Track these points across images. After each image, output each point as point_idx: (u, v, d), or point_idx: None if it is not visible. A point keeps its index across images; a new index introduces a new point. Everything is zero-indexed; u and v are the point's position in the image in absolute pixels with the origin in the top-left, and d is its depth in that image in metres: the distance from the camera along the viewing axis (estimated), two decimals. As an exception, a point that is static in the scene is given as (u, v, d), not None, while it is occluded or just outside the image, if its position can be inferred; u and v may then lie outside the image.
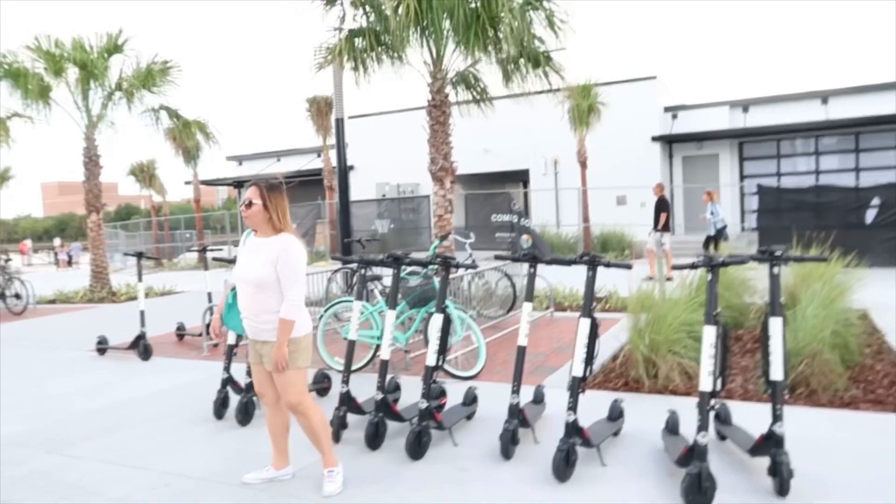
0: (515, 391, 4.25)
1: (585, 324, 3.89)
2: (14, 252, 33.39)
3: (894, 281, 11.13)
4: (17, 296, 13.46)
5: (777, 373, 3.59)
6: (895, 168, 19.66)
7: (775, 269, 3.70)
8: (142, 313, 8.00)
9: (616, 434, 4.39)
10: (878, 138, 20.16)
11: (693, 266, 3.64)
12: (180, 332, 9.10)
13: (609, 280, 10.88)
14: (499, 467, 4.11)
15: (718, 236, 14.40)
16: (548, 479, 3.85)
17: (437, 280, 6.66)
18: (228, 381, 5.37)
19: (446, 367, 6.26)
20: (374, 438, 4.44)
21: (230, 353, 5.38)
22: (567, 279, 11.28)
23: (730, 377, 3.55)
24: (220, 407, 5.32)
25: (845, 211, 15.09)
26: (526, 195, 24.83)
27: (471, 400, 5.00)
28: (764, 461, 3.80)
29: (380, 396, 4.48)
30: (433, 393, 5.11)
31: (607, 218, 20.48)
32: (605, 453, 4.14)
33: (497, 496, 3.73)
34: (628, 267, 3.91)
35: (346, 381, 4.69)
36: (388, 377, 5.43)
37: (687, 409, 4.98)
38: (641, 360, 5.68)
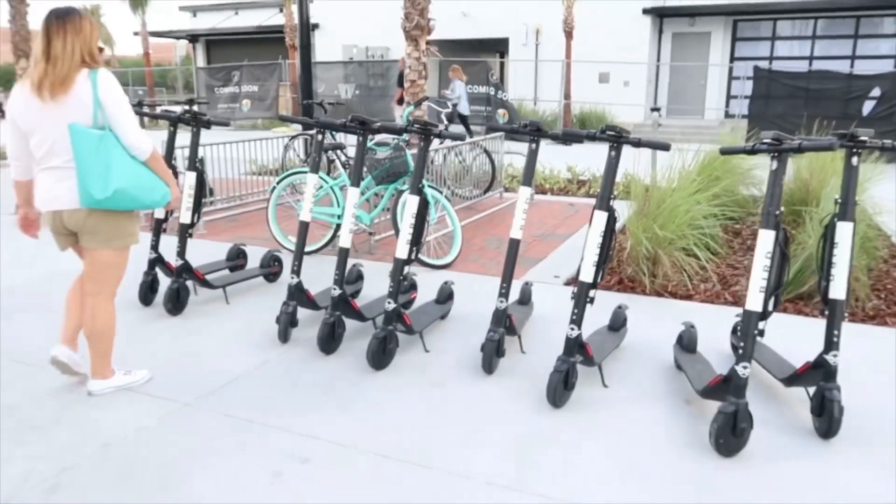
0: (504, 294, 3.47)
1: (602, 218, 3.06)
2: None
3: (894, 177, 10.50)
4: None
5: (839, 290, 2.86)
6: (894, 57, 18.69)
7: (854, 160, 2.87)
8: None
9: (617, 347, 3.69)
10: (878, 24, 19.00)
11: (753, 151, 2.78)
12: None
13: (595, 161, 10.07)
14: (479, 383, 3.41)
15: (452, 118, 12.28)
16: (539, 401, 3.17)
17: (410, 153, 5.71)
18: (157, 261, 4.49)
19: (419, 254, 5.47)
20: (329, 341, 3.67)
21: (158, 228, 4.46)
22: (547, 159, 10.41)
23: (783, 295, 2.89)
24: (148, 292, 4.47)
25: (842, 101, 14.23)
26: (503, 66, 23.30)
27: (446, 297, 4.23)
28: (799, 393, 3.16)
29: (337, 292, 3.67)
30: (402, 288, 4.33)
31: (588, 95, 19.31)
32: (606, 370, 3.46)
33: (478, 420, 3.03)
34: (665, 147, 3.03)
35: (296, 272, 3.85)
36: (349, 265, 4.62)
37: (693, 316, 4.32)
38: (642, 256, 4.94)
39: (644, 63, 20.10)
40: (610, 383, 3.38)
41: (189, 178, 4.24)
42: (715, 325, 4.08)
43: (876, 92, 14.01)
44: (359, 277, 4.66)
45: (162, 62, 32.19)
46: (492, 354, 3.42)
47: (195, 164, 4.22)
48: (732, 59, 20.56)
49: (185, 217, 4.27)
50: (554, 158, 10.58)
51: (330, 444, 2.85)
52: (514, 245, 3.46)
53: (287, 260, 4.49)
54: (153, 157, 3.08)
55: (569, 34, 18.54)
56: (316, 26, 24.20)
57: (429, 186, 5.53)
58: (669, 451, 2.80)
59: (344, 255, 3.69)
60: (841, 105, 14.05)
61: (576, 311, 3.08)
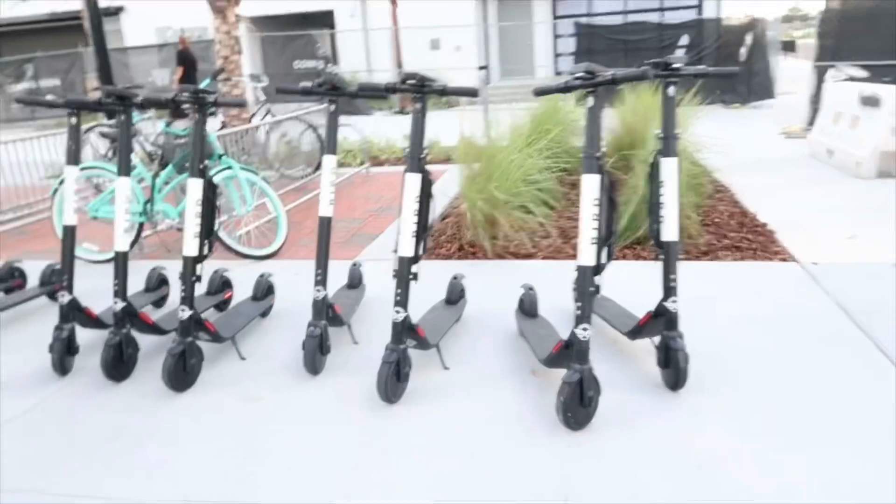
0: (320, 281, 3.00)
1: (415, 181, 2.66)
2: None
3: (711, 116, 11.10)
4: None
5: (671, 231, 2.66)
6: (696, 7, 19.96)
7: (671, 90, 2.67)
8: None
9: (457, 321, 3.36)
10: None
11: (566, 88, 2.48)
12: None
13: (436, 130, 9.75)
14: (304, 388, 2.93)
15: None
16: (373, 398, 2.76)
17: (215, 134, 5.03)
18: None
19: (237, 246, 4.85)
20: (116, 366, 3.03)
21: None
22: (382, 130, 9.97)
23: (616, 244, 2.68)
24: None
25: (656, 50, 14.93)
26: (333, 38, 22.43)
27: (264, 292, 3.69)
28: (647, 345, 2.97)
29: (119, 305, 3.02)
30: (212, 286, 3.74)
31: (420, 63, 19.01)
32: (445, 349, 3.11)
33: (304, 435, 2.57)
34: (472, 93, 2.67)
35: (66, 286, 3.15)
36: (151, 268, 3.95)
37: (536, 275, 4.10)
38: (480, 218, 4.65)
39: (472, 25, 20.10)
40: (451, 364, 3.03)
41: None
42: (558, 284, 3.86)
43: (684, 40, 14.84)
44: (161, 282, 3.99)
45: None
46: (314, 353, 2.95)
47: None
48: (555, 16, 21.07)
49: None
50: (390, 129, 10.15)
51: None
52: (324, 224, 3.00)
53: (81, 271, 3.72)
54: None
55: (393, 0, 18.08)
56: (120, 9, 22.00)
57: (242, 168, 4.91)
58: (519, 434, 2.49)
59: (122, 259, 3.03)
60: (655, 54, 14.72)
61: (399, 290, 2.68)
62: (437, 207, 5.90)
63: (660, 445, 2.36)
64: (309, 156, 7.53)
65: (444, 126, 6.38)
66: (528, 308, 3.21)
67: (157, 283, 3.96)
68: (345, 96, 2.97)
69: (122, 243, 3.03)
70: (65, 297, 3.14)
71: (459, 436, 2.50)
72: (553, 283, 3.83)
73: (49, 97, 2.97)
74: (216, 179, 4.68)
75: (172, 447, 2.55)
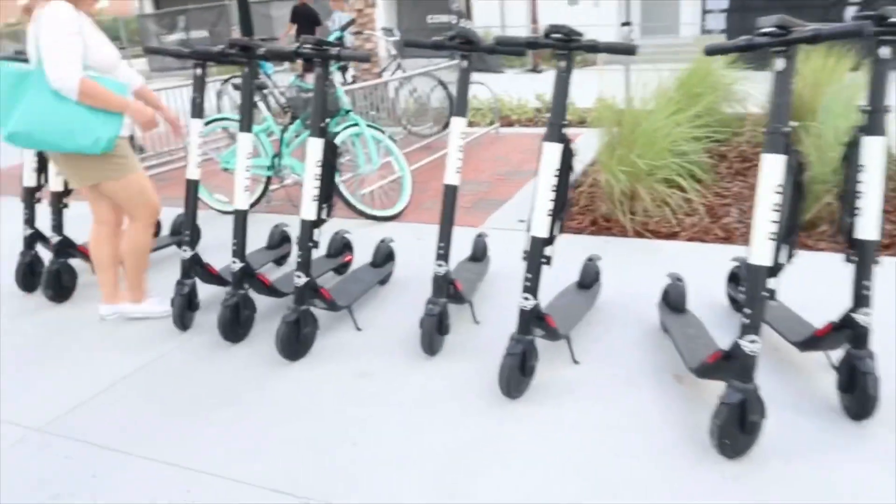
0: (442, 255, 2.75)
1: (554, 152, 2.31)
2: None
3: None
4: None
5: (869, 228, 2.16)
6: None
7: (884, 51, 2.13)
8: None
9: (590, 309, 3.01)
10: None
11: (750, 46, 2.02)
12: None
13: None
14: (418, 369, 2.72)
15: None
16: (492, 390, 2.49)
17: (343, 88, 4.88)
18: (34, 238, 3.71)
19: (359, 205, 4.71)
20: (233, 328, 2.96)
21: (30, 199, 3.66)
22: (515, 89, 9.54)
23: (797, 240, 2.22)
24: (27, 275, 3.71)
25: (822, 8, 13.32)
26: (467, -8, 21.95)
27: (384, 258, 3.51)
28: (818, 358, 2.50)
29: (237, 265, 2.93)
30: (332, 248, 3.60)
31: (557, 19, 18.16)
32: (576, 341, 2.78)
33: (413, 424, 2.36)
34: (630, 50, 2.26)
35: (189, 242, 3.10)
36: (274, 226, 3.89)
37: (680, 259, 3.66)
38: (618, 190, 4.22)
39: (614, -21, 18.91)
40: (582, 359, 2.71)
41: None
42: (706, 270, 3.40)
43: (858, -5, 13.13)
44: (283, 240, 3.91)
45: (122, 14, 30.10)
46: (431, 333, 2.72)
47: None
48: (707, -31, 19.40)
49: (56, 184, 3.48)
50: (523, 88, 9.69)
51: (212, 478, 2.16)
52: (450, 193, 2.73)
53: (213, 222, 3.71)
54: (86, 93, 2.70)
55: (533, -48, 17.31)
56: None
57: (368, 125, 4.74)
58: (657, 453, 2.14)
59: (241, 218, 2.93)
60: (821, 13, 13.16)
61: (529, 275, 2.37)
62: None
63: (836, 492, 1.94)
64: (437, 113, 7.30)
65: (576, 86, 5.90)
66: (674, 301, 2.80)
67: (280, 240, 3.88)
68: (479, 51, 2.65)
69: (241, 201, 2.91)
70: (186, 252, 3.10)
71: (584, 446, 2.19)
72: (699, 269, 3.38)
73: (178, 48, 2.87)
74: (341, 136, 4.55)
75: (276, 423, 2.42)
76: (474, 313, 3.11)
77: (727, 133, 6.20)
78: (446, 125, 7.32)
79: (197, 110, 3.00)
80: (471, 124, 8.05)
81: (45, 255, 3.68)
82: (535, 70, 15.00)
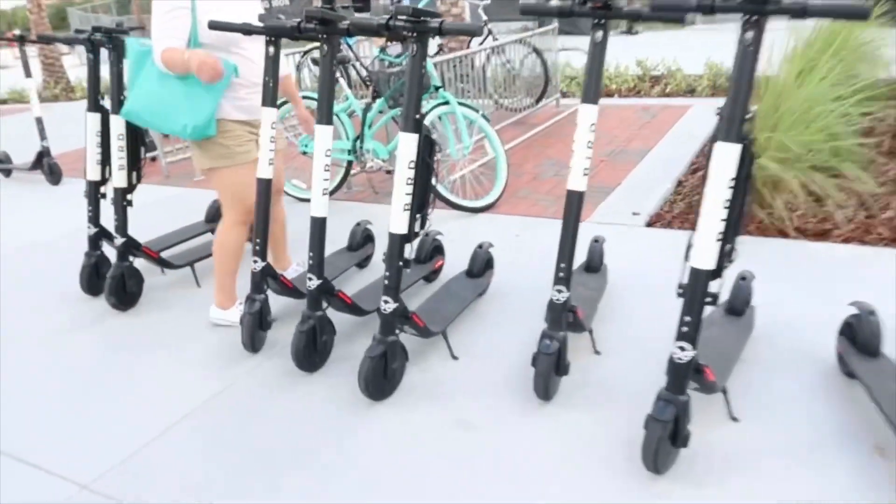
0: (562, 279, 2.20)
1: (731, 155, 1.70)
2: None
3: None
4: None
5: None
6: None
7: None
8: (39, 121, 5.87)
9: (746, 340, 2.39)
10: None
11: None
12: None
13: (669, 52, 8.33)
14: (532, 417, 2.20)
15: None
16: (628, 456, 1.96)
17: (434, 62, 4.34)
18: (100, 237, 3.40)
19: (448, 195, 4.19)
20: (308, 356, 2.51)
21: (94, 194, 3.34)
22: (612, 53, 8.66)
23: None
24: (92, 278, 3.41)
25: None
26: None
27: (482, 267, 2.99)
28: None
29: (315, 282, 2.47)
30: (422, 252, 3.12)
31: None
32: (733, 390, 2.18)
33: (522, 496, 1.85)
34: (862, 14, 1.61)
35: (258, 252, 2.67)
36: (356, 224, 3.44)
37: (835, 266, 2.97)
38: (761, 179, 3.52)
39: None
40: (741, 415, 2.11)
41: (115, 124, 3.05)
42: (870, 283, 2.73)
43: None
44: (366, 239, 3.45)
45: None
46: (548, 375, 2.19)
47: (121, 103, 3.02)
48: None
49: (119, 179, 3.12)
50: (620, 52, 8.82)
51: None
52: (574, 202, 2.15)
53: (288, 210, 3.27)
54: (167, 64, 2.55)
55: None
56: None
57: (459, 103, 4.19)
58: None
59: (318, 228, 2.46)
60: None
61: (688, 319, 1.79)
62: (683, 155, 4.82)
63: None
64: (530, 84, 6.64)
65: (664, 47, 5.13)
66: (863, 340, 2.16)
67: (362, 240, 3.43)
68: (621, 18, 2.04)
69: (319, 206, 2.44)
70: (257, 264, 2.67)
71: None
72: (868, 282, 2.71)
73: (246, 23, 2.39)
74: (429, 117, 4.02)
75: (359, 494, 1.96)
76: (594, 340, 2.55)
77: (878, 107, 5.28)
78: (540, 97, 6.67)
79: (269, 96, 2.53)
80: (564, 95, 7.36)
81: (112, 254, 3.37)
82: (629, 32, 13.91)
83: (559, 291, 2.19)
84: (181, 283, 3.50)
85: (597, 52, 2.06)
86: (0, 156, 6.42)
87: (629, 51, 9.11)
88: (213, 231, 3.96)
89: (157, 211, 4.81)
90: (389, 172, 4.64)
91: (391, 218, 2.22)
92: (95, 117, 3.20)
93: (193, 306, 3.21)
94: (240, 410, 2.38)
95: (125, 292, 3.21)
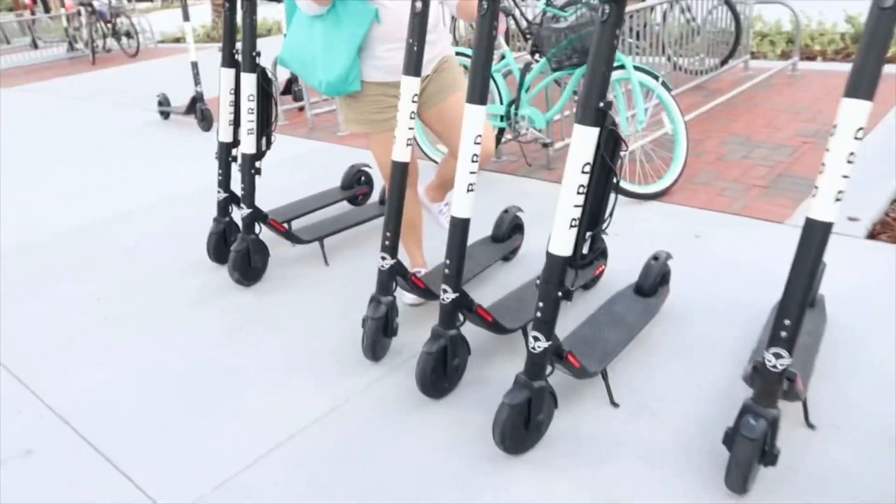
0: (785, 339, 1.58)
1: None
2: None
3: None
4: (129, 34, 11.98)
5: None
6: None
7: None
8: (194, 66, 5.83)
9: None
10: None
11: None
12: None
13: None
14: (716, 514, 1.65)
15: None
16: None
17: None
18: (229, 202, 3.16)
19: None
20: (434, 383, 2.09)
21: (225, 157, 3.08)
22: (812, 5, 7.33)
23: None
24: (220, 246, 3.19)
25: None
26: None
27: (654, 283, 2.40)
28: None
29: (450, 296, 2.02)
30: (502, 229, 2.62)
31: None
32: None
33: None
34: None
35: (389, 246, 2.25)
36: (503, 211, 2.96)
37: None
38: None
39: None
40: None
41: (246, 83, 2.73)
42: None
43: None
44: (514, 229, 2.96)
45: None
46: (749, 465, 1.61)
47: (252, 60, 2.69)
48: None
49: (248, 144, 2.82)
50: (820, 4, 7.45)
51: None
52: (816, 235, 1.52)
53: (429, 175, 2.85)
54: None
55: None
56: None
57: (636, 68, 3.52)
58: None
59: (459, 229, 1.99)
60: None
61: None
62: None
63: None
64: (714, 42, 5.70)
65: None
66: None
67: (510, 229, 2.93)
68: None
69: (462, 206, 1.96)
70: (386, 262, 2.26)
71: None
72: None
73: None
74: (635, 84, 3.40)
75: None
76: (807, 413, 1.92)
77: None
78: (727, 58, 5.72)
79: (413, 63, 2.06)
80: (754, 56, 6.30)
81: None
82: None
83: (776, 357, 1.58)
84: (308, 260, 3.20)
85: (884, 20, 1.39)
86: (160, 98, 6.53)
87: (836, 2, 7.71)
88: (348, 199, 3.64)
89: (296, 168, 4.59)
90: (546, 145, 4.07)
91: (552, 233, 1.70)
92: (230, 73, 2.91)
93: (317, 290, 2.90)
94: (348, 440, 2.01)
95: (249, 267, 2.96)
